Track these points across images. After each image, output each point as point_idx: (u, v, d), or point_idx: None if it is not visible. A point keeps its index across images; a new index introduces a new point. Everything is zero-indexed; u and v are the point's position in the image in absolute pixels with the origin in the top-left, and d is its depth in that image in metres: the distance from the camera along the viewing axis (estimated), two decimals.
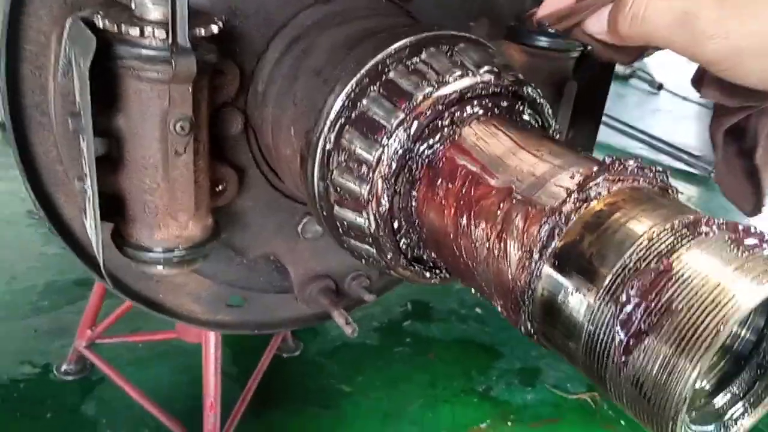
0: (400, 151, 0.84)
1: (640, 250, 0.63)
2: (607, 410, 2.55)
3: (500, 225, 0.74)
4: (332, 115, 0.90)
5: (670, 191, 0.73)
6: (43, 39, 1.00)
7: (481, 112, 0.86)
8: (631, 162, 0.71)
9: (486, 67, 0.87)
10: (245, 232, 1.22)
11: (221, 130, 1.08)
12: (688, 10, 0.72)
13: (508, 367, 2.69)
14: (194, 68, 0.84)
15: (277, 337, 2.40)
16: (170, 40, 0.82)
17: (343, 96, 0.89)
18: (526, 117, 0.91)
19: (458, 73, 0.86)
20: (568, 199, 0.69)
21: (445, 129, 0.84)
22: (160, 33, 0.82)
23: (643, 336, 0.60)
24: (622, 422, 2.50)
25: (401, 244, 0.90)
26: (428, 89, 0.85)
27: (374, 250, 0.90)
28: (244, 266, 1.30)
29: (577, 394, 2.61)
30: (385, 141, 0.84)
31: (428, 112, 0.84)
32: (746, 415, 0.68)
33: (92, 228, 0.90)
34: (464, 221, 0.78)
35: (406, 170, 0.86)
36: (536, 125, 0.92)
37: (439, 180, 0.83)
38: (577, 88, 1.25)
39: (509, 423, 2.43)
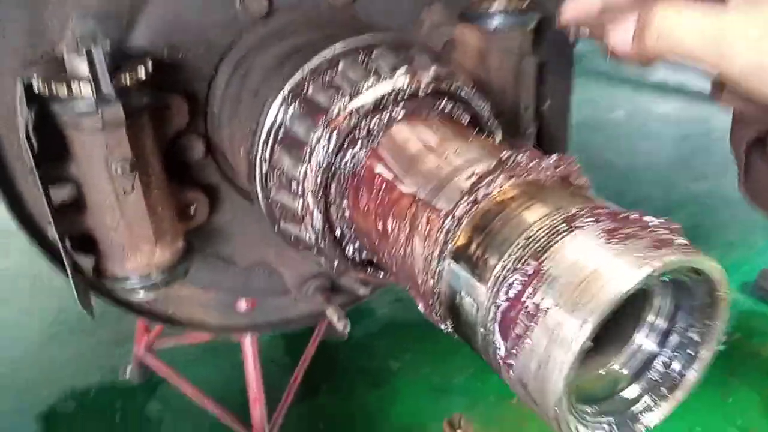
0: (324, 165, 0.86)
1: (518, 251, 0.63)
2: None
3: (408, 229, 0.75)
4: (263, 136, 0.93)
5: (572, 178, 0.73)
6: (9, 99, 1.08)
7: (399, 116, 0.87)
8: (523, 155, 0.71)
9: (401, 70, 0.88)
10: (230, 243, 1.28)
11: (184, 156, 1.13)
12: (716, 30, 0.72)
13: None
14: (121, 115, 0.89)
15: (322, 323, 2.49)
16: (94, 94, 0.87)
17: (270, 116, 0.93)
18: (455, 112, 0.91)
19: (371, 81, 0.87)
20: (460, 202, 0.70)
21: (363, 139, 0.86)
22: (86, 88, 0.87)
23: (520, 339, 0.60)
24: None
25: (348, 250, 0.93)
26: (343, 101, 0.86)
27: (322, 259, 0.94)
28: (240, 274, 1.36)
29: None
30: (307, 157, 0.87)
31: (344, 124, 0.86)
32: (651, 409, 0.67)
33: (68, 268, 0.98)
34: (382, 226, 0.80)
35: (335, 181, 0.88)
36: (466, 117, 0.92)
37: (362, 189, 0.85)
38: (540, 59, 1.22)
39: None
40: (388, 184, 0.80)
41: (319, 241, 0.90)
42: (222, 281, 1.37)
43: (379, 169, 0.83)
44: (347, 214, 0.89)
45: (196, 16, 1.08)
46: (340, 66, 0.90)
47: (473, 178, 0.71)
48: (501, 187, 0.70)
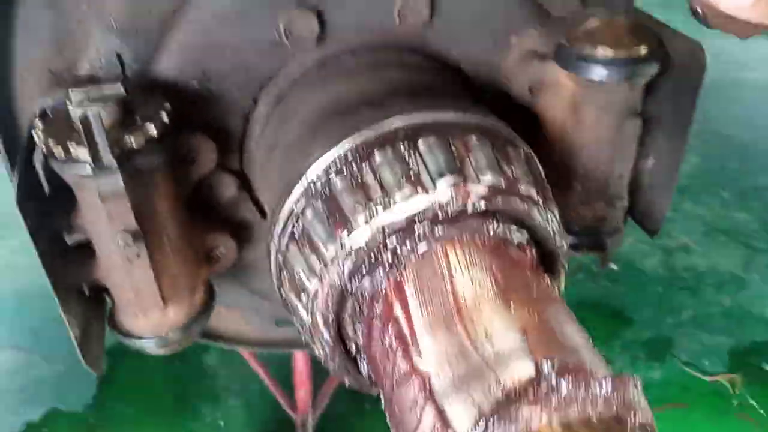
0: (338, 287, 0.72)
1: None
2: (747, 397, 2.26)
3: (415, 420, 0.61)
4: (280, 223, 0.80)
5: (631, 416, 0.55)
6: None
7: (434, 242, 0.70)
8: (563, 383, 0.54)
9: (447, 180, 0.70)
10: (266, 280, 1.17)
11: (212, 196, 1.01)
12: None
13: (634, 338, 2.46)
14: (121, 187, 0.77)
15: None
16: (91, 162, 0.75)
17: (290, 203, 0.78)
18: (509, 235, 0.73)
19: (407, 190, 0.70)
20: (477, 426, 0.54)
21: (386, 265, 0.70)
22: (83, 152, 0.75)
23: None
24: (762, 411, 2.20)
25: (361, 366, 0.80)
26: (368, 212, 0.70)
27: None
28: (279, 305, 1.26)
29: (714, 375, 2.32)
30: (321, 273, 0.73)
31: (366, 245, 0.70)
32: None
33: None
34: (390, 388, 0.66)
35: (350, 302, 0.74)
36: (529, 249, 0.74)
37: (377, 325, 0.70)
38: (649, 115, 0.98)
39: None
40: (403, 342, 0.65)
41: (328, 359, 0.78)
42: (259, 308, 1.28)
43: (397, 311, 0.68)
44: (360, 342, 0.75)
45: (235, 36, 0.92)
46: (377, 157, 0.73)
47: (497, 393, 0.55)
48: (538, 417, 0.53)
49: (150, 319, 0.94)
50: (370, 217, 0.70)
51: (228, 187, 1.02)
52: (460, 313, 0.64)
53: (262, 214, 1.09)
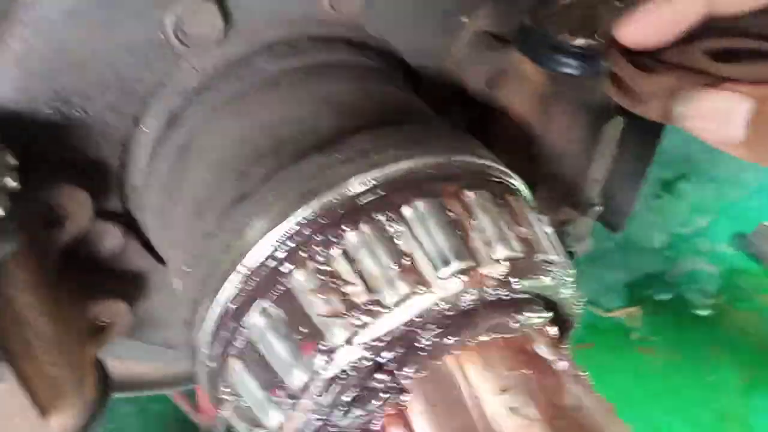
0: (311, 428, 0.52)
1: None
2: (646, 330, 2.34)
3: None
4: (209, 327, 0.57)
5: None
6: None
7: (444, 350, 0.51)
8: None
9: (455, 265, 0.51)
10: (168, 330, 0.93)
11: (88, 255, 0.75)
12: None
13: None
14: None
15: None
16: None
17: (223, 300, 0.55)
18: (535, 322, 0.55)
19: (403, 287, 0.50)
20: None
21: (382, 392, 0.51)
22: None
23: None
24: (661, 345, 2.29)
25: None
26: (350, 323, 0.50)
27: None
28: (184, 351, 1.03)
29: (613, 311, 2.38)
30: (287, 408, 0.52)
31: (351, 370, 0.50)
32: None
33: None
34: None
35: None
36: (549, 328, 0.57)
37: None
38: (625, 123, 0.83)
39: None
40: None
41: None
42: (162, 355, 1.03)
43: None
44: None
45: (98, 39, 0.64)
46: (350, 239, 0.52)
47: None
48: None
49: None
50: (354, 332, 0.49)
51: (109, 239, 0.76)
52: None
53: (158, 258, 0.84)
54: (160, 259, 0.84)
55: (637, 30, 0.51)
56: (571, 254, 0.96)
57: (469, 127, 0.90)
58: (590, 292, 2.43)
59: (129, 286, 0.82)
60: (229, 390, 0.56)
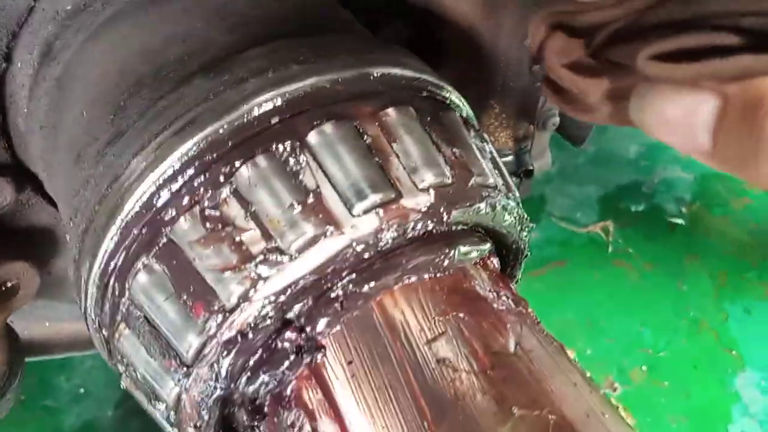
0: (211, 400, 0.44)
1: None
2: (621, 243, 2.30)
3: None
4: (91, 290, 0.49)
5: None
6: None
7: (363, 301, 0.44)
8: None
9: (372, 198, 0.43)
10: None
11: None
12: None
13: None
14: None
15: None
16: None
17: (100, 263, 0.47)
18: (471, 256, 0.48)
19: (309, 229, 0.42)
20: None
21: (291, 354, 0.43)
22: None
23: None
24: (636, 257, 2.26)
25: None
26: (246, 277, 0.42)
27: None
28: None
29: (587, 226, 2.33)
30: (180, 378, 0.44)
31: (252, 331, 0.42)
32: None
33: None
34: None
35: (236, 408, 0.47)
36: (490, 260, 0.49)
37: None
38: None
39: None
40: None
41: None
42: None
43: (324, 426, 0.42)
44: None
45: None
46: (244, 174, 0.43)
47: None
48: None
49: None
50: (252, 286, 0.41)
51: (2, 193, 0.66)
52: (435, 428, 0.39)
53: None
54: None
55: None
56: (530, 172, 0.88)
57: (410, 46, 0.80)
58: (564, 208, 2.37)
59: (34, 242, 0.74)
60: (122, 359, 0.49)
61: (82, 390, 1.87)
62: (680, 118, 0.39)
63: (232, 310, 0.42)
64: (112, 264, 0.47)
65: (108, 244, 0.47)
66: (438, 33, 0.78)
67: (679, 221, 2.36)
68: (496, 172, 0.52)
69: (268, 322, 0.43)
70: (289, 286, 0.42)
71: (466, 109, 0.57)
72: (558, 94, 0.53)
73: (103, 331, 0.51)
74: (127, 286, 0.46)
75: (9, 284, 0.73)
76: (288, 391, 0.45)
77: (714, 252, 2.30)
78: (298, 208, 0.43)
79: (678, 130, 0.40)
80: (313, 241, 0.42)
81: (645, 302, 2.15)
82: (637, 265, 2.24)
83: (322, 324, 0.43)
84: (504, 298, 0.49)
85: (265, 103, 0.45)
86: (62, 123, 0.59)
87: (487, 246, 0.50)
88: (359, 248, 0.43)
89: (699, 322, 2.13)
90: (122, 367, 0.50)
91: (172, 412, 0.48)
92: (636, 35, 0.44)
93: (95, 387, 1.88)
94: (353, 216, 0.43)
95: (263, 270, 0.42)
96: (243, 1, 0.57)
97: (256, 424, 0.48)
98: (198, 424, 0.47)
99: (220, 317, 0.42)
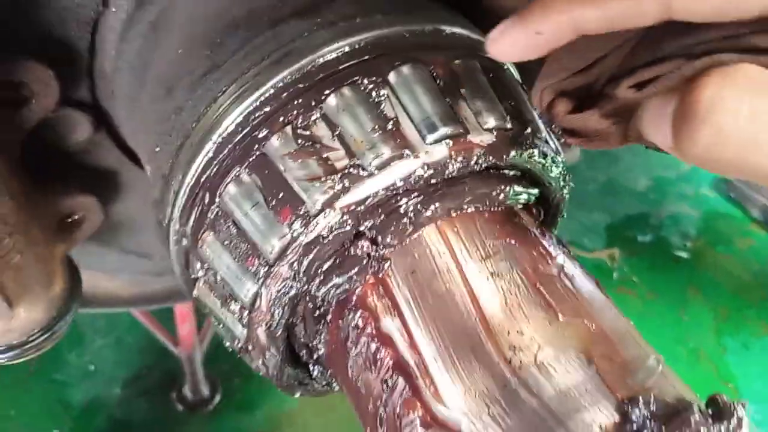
0: (287, 297, 0.50)
1: None
2: (626, 271, 2.36)
3: None
4: (181, 199, 0.54)
5: None
6: None
7: (427, 219, 0.49)
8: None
9: (443, 130, 0.49)
10: (142, 235, 0.91)
11: (59, 142, 0.72)
12: None
13: None
14: None
15: None
16: None
17: (195, 171, 0.53)
18: (514, 196, 0.53)
19: (387, 151, 0.48)
20: None
21: (363, 259, 0.49)
22: None
23: None
24: (640, 283, 2.31)
25: (313, 372, 0.60)
26: (330, 188, 0.47)
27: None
28: (158, 263, 1.00)
29: (593, 252, 2.39)
30: (261, 277, 0.50)
31: (331, 235, 0.48)
32: None
33: None
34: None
35: (302, 306, 0.52)
36: (535, 209, 0.55)
37: (355, 340, 0.50)
38: None
39: None
40: (404, 375, 0.46)
41: (273, 377, 0.57)
42: (135, 267, 1.01)
43: (388, 325, 0.47)
44: (321, 352, 0.55)
45: None
46: (332, 102, 0.49)
47: None
48: None
49: None
50: (334, 195, 0.47)
51: (78, 129, 0.72)
52: (489, 328, 0.45)
53: (130, 156, 0.81)
54: (131, 157, 0.81)
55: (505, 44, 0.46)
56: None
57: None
58: (572, 233, 2.43)
59: (99, 182, 0.79)
60: (202, 265, 0.54)
61: (92, 367, 1.91)
62: (657, 118, 0.43)
63: (315, 215, 0.48)
64: (205, 176, 0.52)
65: (203, 157, 0.53)
66: (483, 21, 0.85)
67: (684, 255, 2.42)
68: (547, 130, 0.58)
69: (347, 228, 0.48)
70: (367, 198, 0.48)
71: (517, 75, 0.63)
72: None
73: (184, 242, 0.56)
74: (218, 193, 0.52)
75: (75, 216, 0.79)
76: (354, 296, 0.50)
77: (716, 287, 2.34)
78: (378, 132, 0.49)
79: (659, 131, 0.43)
80: (390, 161, 0.48)
81: (647, 330, 2.18)
82: (640, 293, 2.29)
83: (390, 236, 0.49)
84: (548, 236, 0.54)
85: (353, 43, 0.52)
86: (154, 61, 0.65)
87: (535, 191, 0.55)
88: (429, 173, 0.48)
89: (698, 353, 2.17)
90: (201, 272, 0.55)
91: (246, 312, 0.53)
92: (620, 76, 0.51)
93: (105, 365, 1.92)
94: (426, 144, 0.49)
95: (346, 182, 0.48)
96: None
97: (319, 329, 0.53)
98: (269, 323, 0.52)
99: (304, 221, 0.47)
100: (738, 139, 0.33)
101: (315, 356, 0.56)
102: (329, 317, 0.52)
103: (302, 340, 0.56)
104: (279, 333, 0.52)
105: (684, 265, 2.42)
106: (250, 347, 0.54)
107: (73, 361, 1.92)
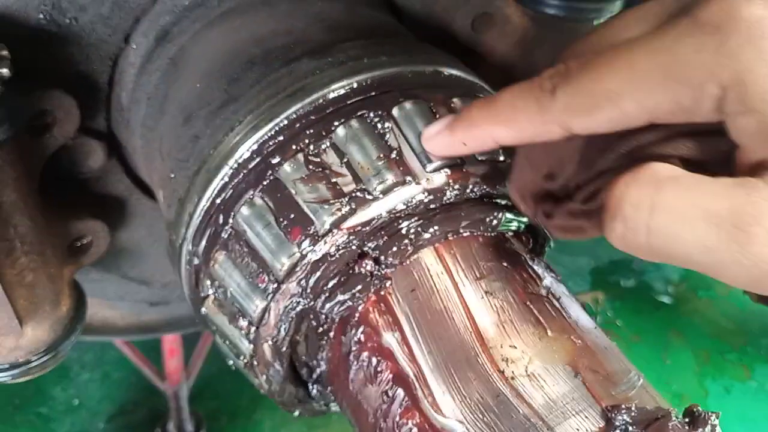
0: (294, 313, 0.53)
1: None
2: (610, 315, 2.40)
3: None
4: (195, 222, 0.58)
5: None
6: None
7: (426, 243, 0.53)
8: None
9: (444, 160, 0.53)
10: (144, 263, 0.94)
11: (73, 168, 0.75)
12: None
13: None
14: None
15: None
16: None
17: (210, 194, 0.56)
18: (512, 225, 0.58)
19: (390, 177, 0.52)
20: None
21: (364, 277, 0.53)
22: None
23: None
24: (624, 329, 2.35)
25: (312, 391, 0.63)
26: (338, 210, 0.51)
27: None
28: (158, 291, 1.03)
29: (577, 294, 2.43)
30: (270, 293, 0.53)
31: (337, 254, 0.52)
32: None
33: None
34: None
35: (305, 323, 0.56)
36: (525, 236, 0.59)
37: (357, 354, 0.53)
38: None
39: None
40: (403, 385, 0.49)
41: (275, 394, 0.60)
42: (134, 295, 1.03)
43: (389, 340, 0.51)
44: (322, 368, 0.58)
45: None
46: (340, 133, 0.54)
47: None
48: None
49: (4, 345, 0.69)
50: (341, 217, 0.51)
51: (93, 156, 0.76)
52: (483, 342, 0.48)
53: (138, 184, 0.84)
54: (140, 186, 0.84)
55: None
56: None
57: None
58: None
59: (108, 209, 0.83)
60: (212, 283, 0.57)
61: (76, 401, 1.90)
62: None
63: (324, 235, 0.51)
64: (220, 199, 0.56)
65: (218, 181, 0.56)
66: (475, 68, 0.91)
67: (666, 300, 2.47)
68: None
69: (353, 247, 0.52)
70: (371, 220, 0.51)
71: None
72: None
73: (195, 261, 0.60)
74: (231, 215, 0.55)
75: (84, 240, 0.81)
76: (357, 312, 0.53)
77: (697, 331, 2.39)
78: (383, 161, 0.53)
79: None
80: (393, 186, 0.52)
81: None
82: (624, 336, 2.33)
83: (392, 256, 0.52)
84: (537, 260, 0.58)
85: (360, 81, 0.56)
86: (172, 93, 0.69)
87: (525, 219, 0.60)
88: (429, 198, 0.52)
89: (681, 397, 2.19)
90: (211, 290, 0.58)
91: (254, 328, 0.56)
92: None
93: (90, 400, 1.91)
94: (426, 172, 0.53)
95: (352, 205, 0.51)
96: (336, 11, 0.69)
97: (321, 344, 0.56)
98: (275, 338, 0.55)
99: (313, 240, 0.51)
100: (645, 230, 0.38)
101: (315, 375, 0.60)
102: (332, 333, 0.55)
103: (304, 358, 0.59)
104: (284, 348, 0.55)
105: (667, 310, 2.46)
106: (255, 362, 0.57)
107: (59, 396, 1.91)
